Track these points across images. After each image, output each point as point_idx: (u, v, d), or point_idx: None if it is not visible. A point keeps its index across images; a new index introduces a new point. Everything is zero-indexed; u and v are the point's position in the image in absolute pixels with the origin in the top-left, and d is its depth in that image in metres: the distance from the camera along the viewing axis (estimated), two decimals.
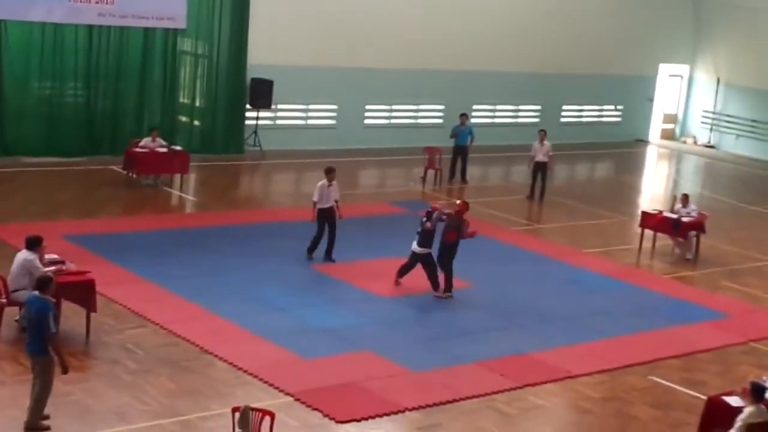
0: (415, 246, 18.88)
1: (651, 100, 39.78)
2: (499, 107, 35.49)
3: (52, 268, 15.19)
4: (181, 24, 28.06)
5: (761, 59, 38.31)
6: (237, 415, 11.48)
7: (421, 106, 33.53)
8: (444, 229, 18.93)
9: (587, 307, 19.25)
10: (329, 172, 20.43)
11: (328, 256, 20.28)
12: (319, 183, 20.43)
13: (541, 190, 27.86)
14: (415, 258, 18.92)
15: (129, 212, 22.79)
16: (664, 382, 16.01)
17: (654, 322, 18.73)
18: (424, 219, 18.83)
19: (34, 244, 15.10)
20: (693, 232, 23.27)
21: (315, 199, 20.29)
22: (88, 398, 13.37)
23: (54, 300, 12.70)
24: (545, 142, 27.99)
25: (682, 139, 40.76)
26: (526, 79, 35.37)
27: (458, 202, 19.51)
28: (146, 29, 27.79)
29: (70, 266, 15.77)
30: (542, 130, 28.80)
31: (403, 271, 19.08)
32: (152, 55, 28.16)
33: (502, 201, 26.79)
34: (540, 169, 27.82)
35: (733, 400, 13.23)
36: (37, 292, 12.61)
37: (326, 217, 20.30)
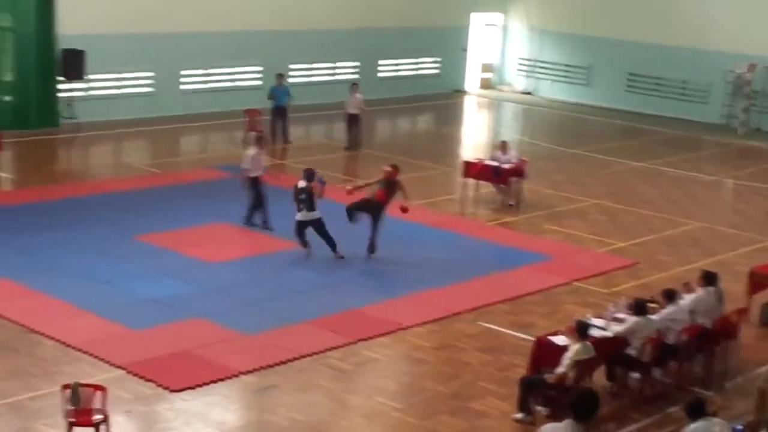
0: (302, 214, 18.71)
1: (465, 50, 40.22)
2: (316, 65, 35.37)
3: None
4: None
5: (571, 4, 39.23)
6: (67, 392, 11.26)
7: (239, 69, 33.18)
8: (378, 188, 19.08)
9: (414, 258, 19.46)
10: (259, 140, 21.05)
11: (265, 224, 20.37)
12: (250, 152, 20.61)
13: (356, 141, 28.34)
14: (303, 225, 18.78)
15: None
16: (492, 326, 16.34)
17: (480, 269, 19.07)
18: (303, 183, 18.66)
19: None
20: (514, 179, 23.71)
21: (246, 166, 20.32)
22: None
23: None
24: (357, 95, 28.44)
25: (500, 87, 41.40)
26: (341, 36, 35.32)
27: (388, 168, 19.47)
28: None
29: None
30: (354, 83, 29.33)
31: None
32: None
33: (325, 158, 26.78)
34: (352, 121, 28.28)
35: (560, 339, 13.59)
36: None
37: (257, 184, 20.31)
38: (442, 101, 38.06)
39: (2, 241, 18.77)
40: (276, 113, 28.73)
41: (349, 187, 20.28)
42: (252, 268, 18.45)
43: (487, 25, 41.03)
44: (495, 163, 23.66)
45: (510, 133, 32.43)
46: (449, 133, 33.23)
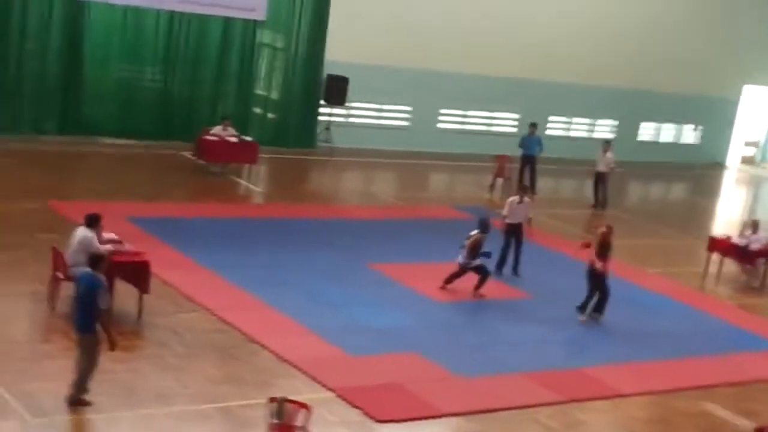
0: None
1: (731, 122, 39.12)
2: (575, 120, 35.16)
3: (109, 246, 15.33)
4: (261, 15, 28.22)
5: None
6: (273, 405, 11.48)
7: (495, 114, 33.32)
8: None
9: (644, 326, 18.95)
10: (522, 190, 21.24)
11: (515, 271, 20.50)
12: (510, 199, 20.83)
13: (603, 200, 27.92)
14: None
15: (195, 199, 22.93)
16: (715, 409, 15.71)
17: (712, 347, 18.37)
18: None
19: (93, 221, 15.24)
20: (762, 260, 22.84)
21: (504, 213, 20.53)
22: (132, 378, 13.46)
23: (105, 278, 12.76)
24: (608, 154, 27.98)
25: (763, 165, 40.08)
26: (604, 93, 35.00)
27: (604, 229, 19.04)
28: (226, 18, 27.98)
29: (128, 246, 15.91)
30: (607, 141, 29.01)
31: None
32: (230, 44, 28.41)
33: (569, 213, 26.52)
34: (600, 180, 27.89)
35: None
36: (89, 269, 12.72)
37: (513, 233, 20.44)
38: (700, 172, 37.11)
39: (243, 252, 19.40)
40: (525, 162, 28.66)
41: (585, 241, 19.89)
42: (477, 311, 18.39)
43: (755, 99, 39.74)
44: (743, 242, 22.86)
45: (766, 213, 31.23)
46: (702, 205, 32.34)
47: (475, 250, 18.75)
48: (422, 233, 22.84)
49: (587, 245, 19.16)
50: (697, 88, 37.25)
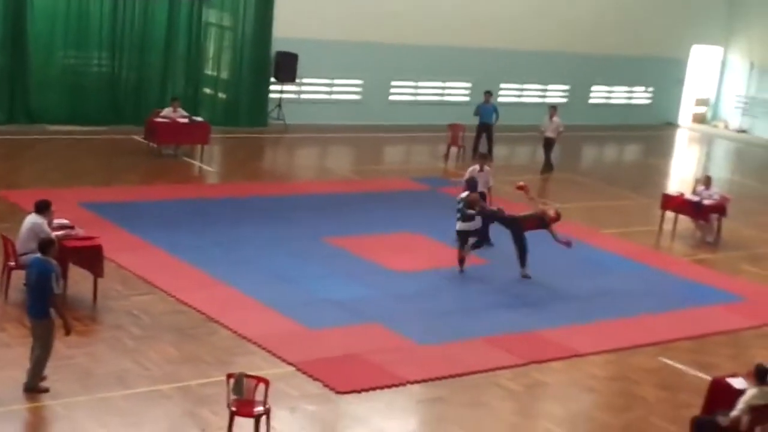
0: (458, 224, 18.76)
1: (681, 81, 39.36)
2: (526, 86, 35.23)
3: (60, 232, 15.23)
4: None
5: None
6: (231, 381, 11.46)
7: (448, 83, 33.34)
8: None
9: (601, 287, 19.06)
10: (482, 158, 21.01)
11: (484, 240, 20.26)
12: (470, 168, 20.69)
13: (549, 164, 28.09)
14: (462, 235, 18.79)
15: (147, 182, 22.78)
16: (673, 363, 15.84)
17: (668, 303, 18.53)
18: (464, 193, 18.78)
19: (42, 208, 15.12)
20: (714, 215, 23.02)
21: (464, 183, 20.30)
22: (89, 362, 13.39)
23: (56, 262, 12.66)
24: (555, 118, 28.09)
25: (714, 123, 40.35)
26: (554, 58, 35.07)
27: (552, 213, 19.15)
28: (171, 0, 27.74)
29: (79, 231, 15.80)
30: (553, 106, 29.06)
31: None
32: (177, 26, 28.17)
33: (521, 179, 26.47)
34: (548, 145, 28.00)
35: (737, 382, 13.06)
36: (39, 255, 12.63)
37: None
38: (652, 132, 37.32)
39: (198, 232, 19.31)
40: (481, 130, 28.66)
41: (521, 183, 19.92)
42: (435, 280, 18.37)
43: (704, 58, 39.98)
44: (696, 198, 23.02)
45: (719, 171, 31.49)
46: (655, 165, 32.50)
47: (472, 209, 18.61)
48: (378, 205, 22.84)
49: (521, 188, 19.37)
50: (647, 49, 37.40)
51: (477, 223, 18.67)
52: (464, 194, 18.79)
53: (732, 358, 16.33)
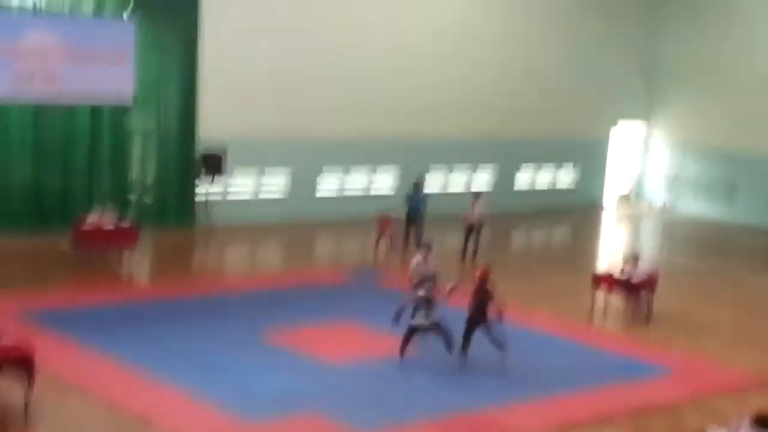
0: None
1: (604, 160, 40.06)
2: (452, 175, 35.58)
3: None
4: (128, 101, 27.97)
5: (715, 120, 38.73)
6: None
7: (376, 173, 33.58)
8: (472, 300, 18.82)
9: (537, 365, 19.09)
10: (426, 248, 20.83)
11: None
12: (415, 258, 20.62)
13: (474, 250, 28.19)
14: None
15: (77, 287, 22.48)
16: None
17: (605, 379, 18.59)
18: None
19: None
20: (644, 291, 23.26)
21: (411, 274, 20.35)
22: None
23: None
24: (478, 204, 28.37)
25: (639, 201, 40.98)
26: (479, 145, 35.56)
27: (478, 269, 19.26)
28: (93, 107, 27.73)
29: (7, 340, 15.51)
30: (476, 193, 29.35)
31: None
32: (100, 132, 28.08)
33: (457, 267, 26.70)
34: (472, 231, 28.22)
35: None
36: None
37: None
38: (578, 214, 37.82)
39: (132, 333, 19.08)
40: (411, 219, 28.79)
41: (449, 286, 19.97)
42: (373, 366, 18.31)
43: (626, 138, 40.77)
44: (625, 277, 23.26)
45: (647, 248, 31.90)
46: (584, 246, 32.85)
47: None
48: (313, 298, 22.83)
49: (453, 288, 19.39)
50: (571, 131, 38.07)
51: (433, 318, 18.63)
52: (421, 292, 18.76)
53: (670, 429, 16.43)
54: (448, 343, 18.65)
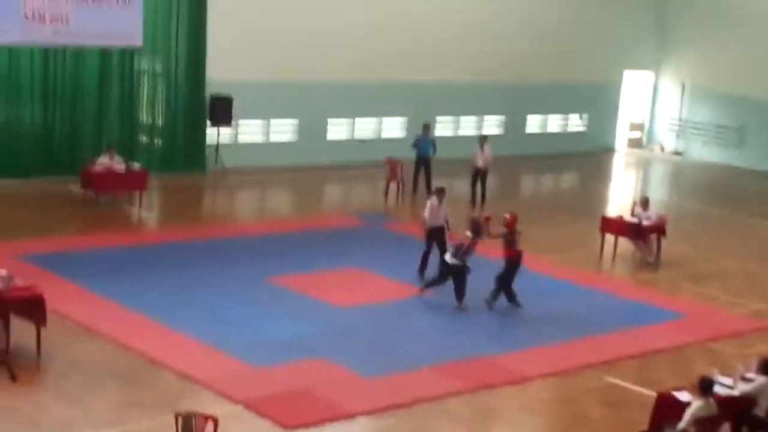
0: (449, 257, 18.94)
1: (615, 107, 39.90)
2: (462, 118, 35.48)
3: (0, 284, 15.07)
4: (137, 42, 27.89)
5: (725, 64, 38.48)
6: (180, 420, 11.40)
7: (384, 119, 33.51)
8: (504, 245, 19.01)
9: (544, 311, 19.20)
10: (439, 192, 20.68)
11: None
12: (429, 201, 20.56)
13: (482, 195, 28.16)
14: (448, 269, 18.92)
15: (86, 231, 22.61)
16: (618, 382, 15.98)
17: (611, 324, 18.72)
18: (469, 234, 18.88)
19: None
20: (654, 236, 23.29)
21: (425, 216, 20.34)
22: (34, 411, 13.26)
23: None
24: (485, 149, 28.20)
25: (650, 147, 40.89)
26: (489, 91, 35.39)
27: (508, 215, 19.34)
28: (102, 49, 27.66)
29: (19, 282, 15.64)
30: (484, 137, 29.34)
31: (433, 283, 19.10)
32: (109, 74, 28.04)
33: (463, 212, 26.68)
34: (480, 175, 28.11)
35: (683, 395, 13.22)
36: None
37: (435, 236, 20.33)
38: (588, 159, 37.70)
39: (140, 278, 19.21)
40: (419, 164, 28.81)
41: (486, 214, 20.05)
42: (380, 312, 18.43)
43: (637, 83, 40.60)
44: (635, 220, 23.28)
45: (656, 193, 31.87)
46: (594, 190, 32.83)
47: (462, 252, 18.78)
48: (320, 243, 22.87)
49: (487, 219, 19.57)
50: (580, 77, 37.88)
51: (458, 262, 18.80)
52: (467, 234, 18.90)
53: (675, 374, 16.48)
54: (461, 293, 18.76)
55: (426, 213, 20.49)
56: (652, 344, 17.78)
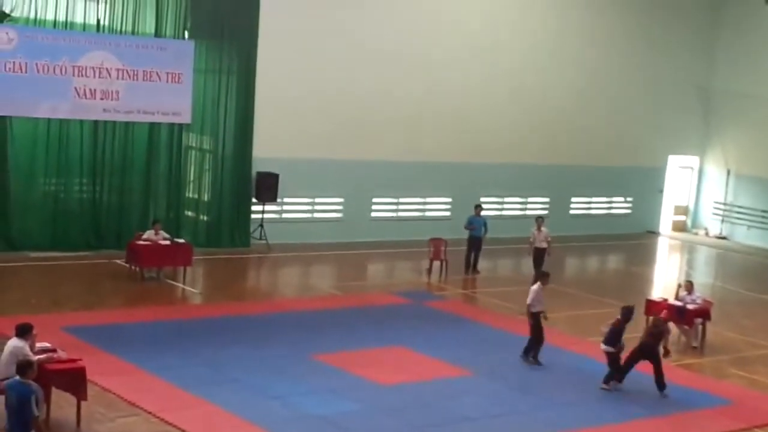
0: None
1: (661, 191, 39.80)
2: (507, 199, 35.49)
3: (43, 356, 15.08)
4: (186, 119, 28.25)
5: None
6: None
7: (428, 199, 33.59)
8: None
9: (590, 394, 18.96)
10: (543, 277, 20.80)
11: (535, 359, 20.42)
12: (533, 286, 20.56)
13: (545, 273, 27.87)
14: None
15: (130, 305, 22.69)
16: None
17: (658, 409, 18.44)
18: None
19: (24, 331, 14.98)
20: (698, 320, 23.05)
21: (529, 302, 20.34)
22: None
23: (36, 384, 12.52)
24: (543, 229, 28.24)
25: (694, 230, 40.66)
26: (534, 171, 35.44)
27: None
28: (151, 124, 27.98)
29: (62, 354, 15.67)
30: (540, 217, 29.39)
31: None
32: (158, 149, 28.39)
33: (509, 291, 26.58)
34: (539, 255, 28.02)
35: None
36: (17, 377, 12.51)
37: (537, 320, 20.38)
38: (633, 241, 37.51)
39: (183, 352, 19.20)
40: (472, 243, 28.81)
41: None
42: (423, 392, 18.25)
43: (682, 167, 40.50)
44: (679, 303, 23.06)
45: (701, 276, 31.62)
46: (637, 272, 32.59)
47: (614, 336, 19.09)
48: (363, 321, 22.80)
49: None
50: (625, 160, 37.89)
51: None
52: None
53: None
54: (615, 374, 19.07)
55: (531, 298, 20.38)
56: (700, 430, 17.48)
